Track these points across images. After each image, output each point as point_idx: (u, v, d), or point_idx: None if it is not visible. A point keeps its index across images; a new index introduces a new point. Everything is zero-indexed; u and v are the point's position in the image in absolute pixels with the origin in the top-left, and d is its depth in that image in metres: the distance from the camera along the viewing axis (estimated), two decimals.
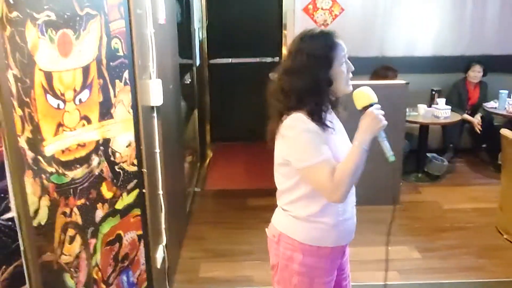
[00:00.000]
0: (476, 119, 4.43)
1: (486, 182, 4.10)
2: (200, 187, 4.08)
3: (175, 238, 2.79)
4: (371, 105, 1.41)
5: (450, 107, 4.12)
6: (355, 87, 1.49)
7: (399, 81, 3.60)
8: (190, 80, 3.90)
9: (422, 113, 4.08)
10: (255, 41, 5.15)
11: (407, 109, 4.03)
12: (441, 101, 4.10)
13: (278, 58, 5.20)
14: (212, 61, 5.09)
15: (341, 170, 1.36)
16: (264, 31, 5.14)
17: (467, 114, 4.53)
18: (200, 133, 4.54)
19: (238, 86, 5.30)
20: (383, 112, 1.41)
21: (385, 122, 1.39)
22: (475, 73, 4.57)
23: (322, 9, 4.96)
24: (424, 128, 4.17)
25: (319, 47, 1.40)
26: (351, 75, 1.47)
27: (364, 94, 1.43)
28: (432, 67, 5.00)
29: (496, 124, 4.48)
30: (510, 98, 4.24)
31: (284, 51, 5.10)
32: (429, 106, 4.19)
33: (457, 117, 4.17)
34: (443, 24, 5.04)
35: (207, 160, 4.76)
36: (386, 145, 1.42)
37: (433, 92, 4.31)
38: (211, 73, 5.05)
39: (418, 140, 4.24)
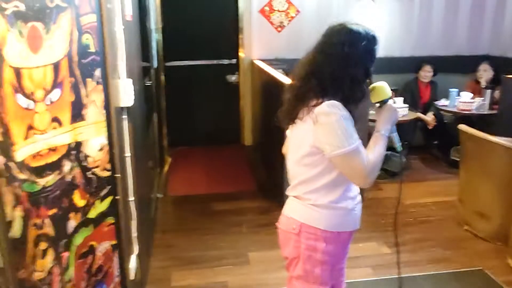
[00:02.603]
0: (430, 117, 4.62)
1: (441, 177, 4.27)
2: (162, 193, 3.94)
3: (145, 247, 2.65)
4: (387, 99, 1.58)
5: (407, 105, 4.26)
6: None
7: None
8: (150, 82, 3.75)
9: None
10: (211, 43, 5.07)
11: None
12: (399, 100, 4.23)
13: (235, 60, 5.15)
14: (168, 64, 4.95)
15: (374, 157, 1.46)
16: (221, 33, 5.08)
17: (420, 112, 4.71)
18: (159, 138, 4.38)
19: (196, 88, 5.20)
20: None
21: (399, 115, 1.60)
22: (426, 73, 4.77)
23: (278, 11, 4.98)
24: None
25: (372, 43, 1.50)
26: None
27: (384, 88, 1.59)
28: (384, 67, 5.13)
29: (446, 121, 4.70)
30: (459, 96, 4.45)
31: (241, 53, 5.06)
32: None
33: (413, 115, 4.32)
34: (392, 26, 5.23)
35: (167, 165, 4.61)
36: (396, 136, 1.62)
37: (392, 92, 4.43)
38: (168, 76, 4.91)
39: None
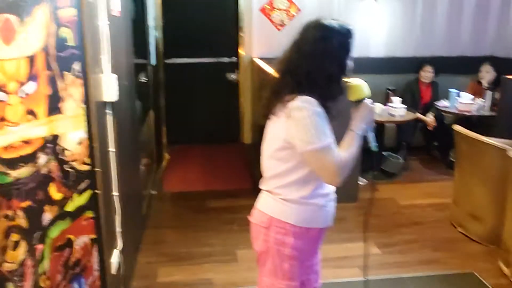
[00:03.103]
0: (430, 118, 4.58)
1: (439, 178, 4.23)
2: (157, 190, 3.95)
3: (131, 243, 2.65)
4: (364, 98, 1.55)
5: (405, 106, 4.22)
6: None
7: (354, 78, 3.64)
8: (145, 79, 3.77)
9: (378, 111, 4.16)
10: (212, 41, 5.08)
11: None
12: (396, 100, 4.20)
13: (235, 58, 5.15)
14: (168, 61, 4.96)
15: (346, 154, 1.44)
16: (221, 31, 5.08)
17: (420, 113, 4.67)
18: (156, 135, 4.40)
19: (195, 86, 5.21)
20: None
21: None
22: (427, 73, 4.72)
23: (279, 9, 4.97)
24: (380, 126, 4.24)
25: (346, 37, 1.48)
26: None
27: (361, 86, 1.55)
28: (385, 67, 5.14)
29: (446, 122, 4.65)
30: (460, 97, 4.40)
31: (241, 51, 5.06)
32: (385, 105, 4.27)
33: (411, 115, 4.28)
34: (394, 26, 5.19)
35: (164, 163, 4.62)
36: (372, 136, 1.60)
37: (388, 91, 4.41)
38: (167, 73, 4.92)
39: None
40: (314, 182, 1.52)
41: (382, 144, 4.41)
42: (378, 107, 4.18)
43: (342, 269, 2.69)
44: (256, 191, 1.67)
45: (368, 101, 1.56)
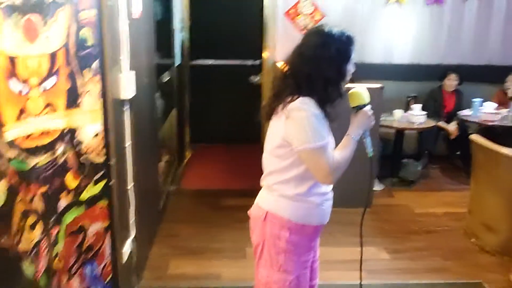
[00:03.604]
0: (452, 127, 4.52)
1: (458, 188, 4.17)
2: (176, 186, 4.08)
3: (146, 234, 2.77)
4: (364, 105, 1.61)
5: (425, 113, 4.20)
6: None
7: (374, 84, 3.66)
8: (168, 78, 3.90)
9: (397, 118, 4.16)
10: (237, 43, 5.19)
11: (383, 114, 4.11)
12: (417, 107, 4.18)
13: (259, 61, 5.23)
14: (193, 62, 5.10)
15: (339, 157, 1.52)
16: (246, 34, 5.18)
17: (443, 121, 4.62)
18: (178, 133, 4.53)
19: (219, 87, 5.33)
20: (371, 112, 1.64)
21: (374, 122, 1.65)
22: (451, 82, 4.67)
23: (303, 14, 5.02)
24: (399, 133, 4.24)
25: (346, 44, 1.54)
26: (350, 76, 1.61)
27: (361, 94, 1.62)
28: (409, 74, 5.10)
29: (470, 132, 4.57)
30: (483, 106, 4.33)
31: (265, 54, 5.14)
32: (405, 111, 4.26)
33: (431, 123, 4.25)
34: (421, 33, 5.14)
35: (185, 160, 4.75)
36: (368, 142, 1.65)
37: (409, 98, 4.39)
38: (192, 74, 5.06)
39: (393, 145, 4.31)
40: (311, 180, 1.58)
41: (402, 151, 4.40)
42: (398, 113, 4.17)
43: (349, 272, 2.71)
44: None
45: (367, 108, 1.63)
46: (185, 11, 4.79)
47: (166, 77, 3.88)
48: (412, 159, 4.39)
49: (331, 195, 1.70)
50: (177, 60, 4.31)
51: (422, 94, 4.80)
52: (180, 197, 3.89)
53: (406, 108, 4.38)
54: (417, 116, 4.09)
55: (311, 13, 5.02)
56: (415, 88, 4.89)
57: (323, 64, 1.52)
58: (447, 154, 4.81)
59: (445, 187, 4.22)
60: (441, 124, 4.56)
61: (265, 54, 5.16)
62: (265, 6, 5.03)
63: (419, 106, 4.22)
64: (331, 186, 1.69)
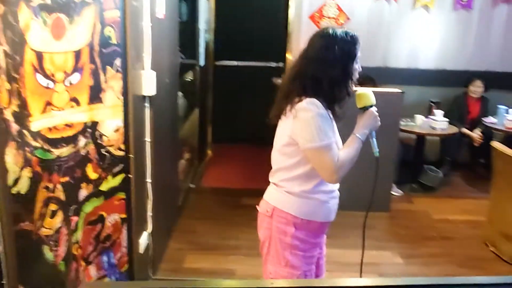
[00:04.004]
0: (476, 134, 4.45)
1: (480, 196, 4.09)
2: (196, 184, 4.16)
3: (163, 228, 2.86)
4: (371, 106, 1.64)
5: (447, 119, 4.15)
6: None
7: (394, 89, 3.65)
8: (191, 78, 3.99)
9: (419, 123, 4.13)
10: (261, 45, 5.25)
11: (404, 119, 4.09)
12: (439, 113, 4.14)
13: (282, 63, 5.28)
14: (218, 63, 5.19)
15: (344, 156, 1.55)
16: (270, 37, 5.23)
17: (467, 128, 4.55)
18: (200, 132, 4.62)
19: (242, 88, 5.39)
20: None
21: (379, 123, 1.66)
22: (476, 88, 4.60)
23: (328, 17, 5.04)
24: (420, 138, 4.20)
25: (350, 44, 1.57)
26: (357, 76, 1.63)
27: (368, 95, 1.65)
28: (433, 80, 5.04)
29: (494, 140, 4.49)
30: (509, 114, 4.25)
31: (289, 56, 5.18)
32: (426, 117, 4.22)
33: (454, 129, 4.20)
34: (447, 38, 5.08)
35: (206, 159, 4.84)
36: (374, 142, 1.68)
37: (431, 104, 4.35)
38: (216, 74, 5.15)
39: (414, 151, 4.27)
40: (317, 178, 1.62)
41: (423, 157, 4.36)
42: (419, 119, 4.14)
43: (363, 275, 2.72)
44: None
45: (373, 109, 1.66)
46: (211, 13, 4.88)
47: (189, 77, 3.98)
48: (434, 165, 4.33)
49: (337, 193, 1.74)
50: (201, 61, 4.40)
51: (446, 100, 4.74)
52: (200, 195, 3.97)
53: (429, 113, 4.34)
54: (439, 122, 4.05)
55: (335, 17, 5.03)
56: (439, 93, 4.83)
57: (328, 65, 1.56)
58: (471, 162, 4.74)
59: (466, 195, 4.15)
60: (465, 131, 4.50)
61: (288, 56, 5.20)
62: (290, 9, 5.08)
63: (441, 112, 4.17)
64: (338, 185, 1.73)
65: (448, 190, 4.24)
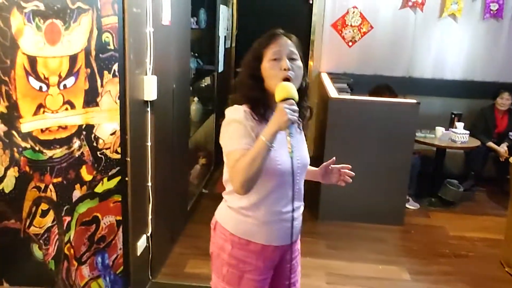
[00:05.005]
0: (502, 148, 4.26)
1: (502, 213, 3.90)
2: (209, 189, 4.18)
3: (166, 232, 2.88)
4: (286, 99, 1.34)
5: (468, 131, 3.99)
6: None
7: (410, 100, 3.55)
8: (206, 84, 4.03)
9: (439, 135, 3.99)
10: None
11: (423, 131, 3.97)
12: (460, 125, 3.99)
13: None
14: (239, 69, 5.21)
15: (241, 160, 1.34)
16: None
17: (493, 142, 4.37)
18: (217, 138, 4.64)
19: None
20: (296, 108, 1.34)
21: (292, 117, 1.31)
22: (504, 101, 4.42)
23: (351, 26, 4.98)
24: (440, 151, 4.06)
25: (255, 46, 1.50)
26: (286, 73, 1.41)
27: (282, 88, 1.37)
28: (459, 91, 4.89)
29: None
30: None
31: (310, 64, 5.15)
32: (447, 129, 4.08)
33: (476, 142, 4.04)
34: (475, 48, 4.92)
35: (221, 165, 4.85)
36: (290, 140, 1.33)
37: (453, 116, 4.20)
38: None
39: (434, 164, 4.13)
40: (258, 195, 1.45)
41: (443, 171, 4.21)
42: (439, 131, 4.00)
43: None
44: None
45: (283, 103, 1.34)
46: (233, 20, 4.92)
47: (205, 83, 4.01)
48: (457, 179, 4.17)
49: (287, 216, 1.49)
50: (220, 67, 4.43)
51: (472, 112, 4.58)
52: (212, 200, 3.97)
53: (450, 125, 4.19)
54: (459, 134, 3.89)
55: (358, 25, 4.96)
56: (465, 105, 4.67)
57: (241, 71, 1.52)
58: (496, 177, 4.53)
59: (487, 212, 3.97)
60: (491, 144, 4.32)
61: (310, 64, 5.17)
62: (313, 17, 5.05)
63: (462, 124, 4.02)
64: (295, 206, 1.49)
65: (469, 206, 4.07)
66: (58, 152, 1.77)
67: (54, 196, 1.78)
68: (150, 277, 2.60)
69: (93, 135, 1.94)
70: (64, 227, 1.86)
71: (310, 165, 1.64)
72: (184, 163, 3.29)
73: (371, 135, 3.40)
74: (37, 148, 1.67)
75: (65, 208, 1.85)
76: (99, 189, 2.03)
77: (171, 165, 2.82)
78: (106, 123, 1.99)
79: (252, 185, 1.36)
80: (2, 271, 1.56)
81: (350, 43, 5.03)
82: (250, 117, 1.42)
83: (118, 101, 2.02)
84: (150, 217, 2.49)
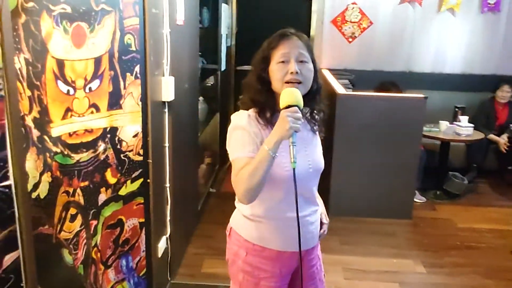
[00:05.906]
0: (502, 139, 4.32)
1: (508, 204, 3.98)
2: (216, 188, 4.18)
3: (182, 233, 2.87)
4: (289, 107, 1.29)
5: (472, 125, 4.04)
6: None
7: (417, 94, 3.58)
8: (211, 83, 4.02)
9: (443, 129, 4.03)
10: None
11: (428, 125, 4.01)
12: (464, 119, 4.04)
13: None
14: (239, 68, 5.21)
15: (243, 169, 1.31)
16: None
17: (494, 134, 4.43)
18: (222, 137, 4.64)
19: None
20: (299, 116, 1.27)
21: (295, 126, 1.24)
22: (504, 93, 4.48)
23: (350, 22, 5.00)
24: (445, 144, 4.11)
25: (264, 46, 1.45)
26: (291, 76, 1.36)
27: (286, 94, 1.31)
28: (460, 85, 4.94)
29: None
30: None
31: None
32: (452, 123, 4.13)
33: (479, 135, 4.09)
34: (474, 41, 4.97)
35: (227, 164, 4.85)
36: (292, 151, 1.26)
37: (456, 109, 4.25)
38: (238, 79, 5.17)
39: (439, 157, 4.18)
40: (269, 201, 1.43)
41: (448, 164, 4.26)
42: (443, 125, 4.04)
43: (380, 283, 2.68)
44: None
45: (287, 110, 1.28)
46: (233, 18, 4.91)
47: (210, 82, 4.00)
48: (459, 172, 4.23)
49: (304, 220, 1.47)
50: (223, 66, 4.43)
51: (472, 105, 4.63)
52: (219, 200, 3.98)
53: (454, 119, 4.24)
54: (464, 128, 3.94)
55: (358, 21, 4.99)
56: (465, 98, 4.72)
57: (250, 71, 1.48)
58: (498, 169, 4.60)
59: (492, 203, 4.03)
60: (492, 136, 4.38)
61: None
62: (312, 13, 5.07)
63: (466, 117, 4.07)
64: (309, 211, 1.50)
65: (474, 198, 4.13)
66: (84, 156, 1.76)
67: (81, 200, 1.77)
68: (169, 278, 2.59)
69: (117, 138, 1.93)
70: (92, 231, 1.85)
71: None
72: (195, 163, 3.29)
73: (379, 131, 3.43)
74: (65, 152, 1.65)
75: (91, 212, 1.84)
76: (123, 191, 2.02)
77: (185, 166, 2.81)
78: (129, 125, 1.98)
79: (255, 195, 1.33)
80: (37, 277, 1.55)
81: (350, 39, 5.05)
82: (255, 123, 1.39)
83: (140, 103, 2.01)
84: (168, 218, 2.48)
